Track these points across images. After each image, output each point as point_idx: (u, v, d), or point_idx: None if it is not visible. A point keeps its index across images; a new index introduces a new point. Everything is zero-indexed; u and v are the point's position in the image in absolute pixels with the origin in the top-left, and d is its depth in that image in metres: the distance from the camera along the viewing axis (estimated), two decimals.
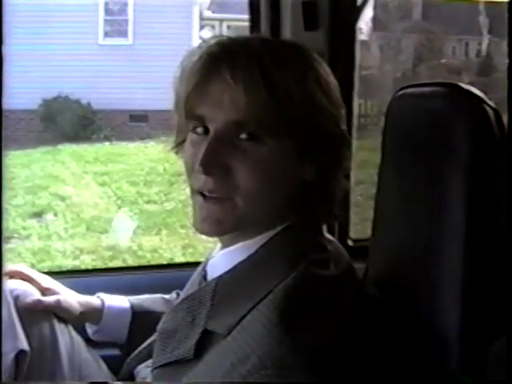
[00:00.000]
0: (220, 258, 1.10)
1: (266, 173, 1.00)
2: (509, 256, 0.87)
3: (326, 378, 0.92)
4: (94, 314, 1.38)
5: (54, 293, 1.36)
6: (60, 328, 1.34)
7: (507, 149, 0.97)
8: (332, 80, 1.06)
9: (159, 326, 1.15)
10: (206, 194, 1.02)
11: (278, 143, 0.99)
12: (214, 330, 1.02)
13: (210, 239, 1.13)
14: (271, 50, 1.03)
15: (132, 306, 1.40)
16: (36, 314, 1.31)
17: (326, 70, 1.06)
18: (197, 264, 1.23)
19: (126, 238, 5.85)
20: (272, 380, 0.89)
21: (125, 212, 6.52)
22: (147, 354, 1.23)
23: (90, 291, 1.41)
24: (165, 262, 5.34)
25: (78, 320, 1.38)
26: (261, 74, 0.98)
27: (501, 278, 1.05)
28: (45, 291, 1.36)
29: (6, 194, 0.75)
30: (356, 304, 1.05)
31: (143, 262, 5.36)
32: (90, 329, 1.40)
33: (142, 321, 1.39)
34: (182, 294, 1.22)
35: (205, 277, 1.12)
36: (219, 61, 1.00)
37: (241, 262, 1.05)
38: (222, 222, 1.03)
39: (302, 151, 1.02)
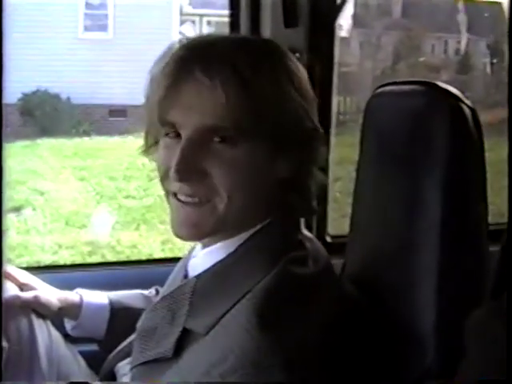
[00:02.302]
0: (201, 257, 1.10)
1: (241, 174, 1.00)
2: (509, 255, 0.88)
3: (304, 378, 0.93)
4: (72, 310, 1.37)
5: (31, 288, 1.36)
6: (38, 323, 1.33)
7: (508, 148, 0.98)
8: (303, 74, 1.06)
9: (139, 324, 1.15)
10: (182, 199, 1.02)
11: (251, 144, 0.99)
12: (192, 328, 1.02)
13: None
14: (243, 49, 1.02)
15: (111, 302, 1.39)
16: (14, 310, 1.30)
17: (296, 65, 1.06)
18: (176, 260, 1.23)
19: (106, 234, 5.83)
20: (250, 380, 0.90)
21: (104, 207, 6.49)
22: (128, 352, 1.22)
23: (69, 287, 1.41)
24: (144, 258, 5.33)
25: (57, 315, 1.37)
26: (235, 75, 0.97)
27: (475, 275, 1.06)
28: (22, 286, 1.35)
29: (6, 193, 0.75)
30: (334, 302, 1.06)
31: (122, 258, 5.34)
32: (68, 324, 1.39)
33: (120, 317, 1.39)
34: (162, 292, 1.23)
35: (186, 276, 1.12)
36: (191, 63, 0.99)
37: (220, 261, 1.05)
38: (200, 226, 1.03)
39: (275, 150, 1.02)
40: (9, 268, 1.38)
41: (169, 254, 5.43)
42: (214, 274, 1.05)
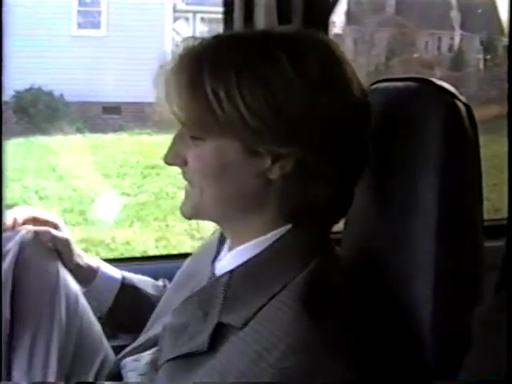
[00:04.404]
0: (228, 259, 1.12)
1: (209, 169, 1.05)
2: (509, 253, 0.88)
3: (356, 364, 0.94)
4: (88, 272, 1.42)
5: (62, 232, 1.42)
6: (62, 271, 1.36)
7: (507, 145, 0.98)
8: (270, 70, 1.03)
9: (167, 322, 1.15)
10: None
11: (217, 142, 1.03)
12: (229, 322, 1.02)
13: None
14: (210, 49, 1.05)
15: (123, 278, 1.44)
16: (44, 252, 1.35)
17: (264, 57, 1.03)
18: (169, 257, 1.23)
19: (112, 218, 5.86)
20: (303, 366, 0.90)
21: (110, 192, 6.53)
22: (136, 351, 1.23)
23: None
24: (138, 255, 5.32)
25: (75, 270, 1.40)
26: (189, 76, 1.02)
27: (471, 272, 1.06)
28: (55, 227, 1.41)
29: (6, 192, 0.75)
30: (362, 295, 1.07)
31: (116, 255, 5.34)
32: None
33: (128, 294, 1.43)
34: (171, 288, 1.31)
35: (211, 277, 1.14)
36: (174, 64, 1.05)
37: (254, 257, 1.06)
38: (186, 207, 1.11)
39: (247, 149, 1.03)
40: (43, 214, 1.42)
41: (163, 251, 5.43)
42: (250, 269, 1.06)
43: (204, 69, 1.02)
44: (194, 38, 1.08)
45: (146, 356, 1.19)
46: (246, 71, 1.01)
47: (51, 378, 1.28)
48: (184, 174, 1.10)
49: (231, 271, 1.08)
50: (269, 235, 1.07)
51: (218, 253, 1.19)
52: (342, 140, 1.04)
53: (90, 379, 1.35)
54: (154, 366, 1.16)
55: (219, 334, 1.02)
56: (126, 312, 1.38)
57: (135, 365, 1.19)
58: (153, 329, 1.26)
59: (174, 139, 1.09)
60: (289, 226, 1.07)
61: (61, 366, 1.30)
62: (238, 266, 1.07)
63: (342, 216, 1.13)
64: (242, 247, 1.10)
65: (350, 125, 1.04)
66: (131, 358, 1.22)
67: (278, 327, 0.95)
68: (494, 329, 0.82)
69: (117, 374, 1.24)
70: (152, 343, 1.21)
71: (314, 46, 1.06)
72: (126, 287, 1.43)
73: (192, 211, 1.11)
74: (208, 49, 1.05)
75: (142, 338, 1.27)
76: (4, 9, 0.69)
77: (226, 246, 1.17)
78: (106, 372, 1.35)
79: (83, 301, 1.38)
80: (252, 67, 1.01)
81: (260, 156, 1.03)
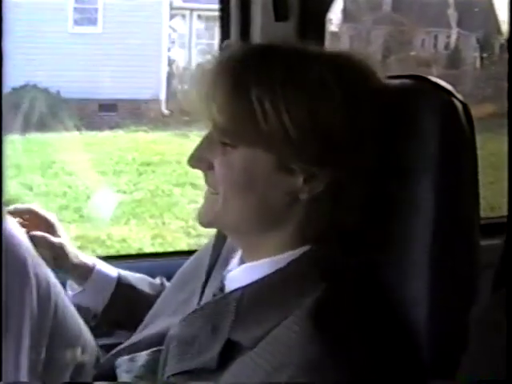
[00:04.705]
0: (241, 271, 1.11)
1: (237, 178, 1.03)
2: (509, 252, 0.88)
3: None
4: (83, 271, 1.42)
5: (57, 235, 1.40)
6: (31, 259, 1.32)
7: (507, 143, 0.98)
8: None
9: (173, 331, 1.14)
10: (206, 187, 1.09)
11: (249, 152, 1.01)
12: (238, 340, 1.01)
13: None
14: (256, 57, 1.04)
15: (119, 277, 1.44)
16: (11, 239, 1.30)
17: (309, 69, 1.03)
18: (166, 254, 1.23)
19: (108, 215, 5.85)
20: None
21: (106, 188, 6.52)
22: (129, 350, 1.23)
23: (58, 280, 1.40)
24: (133, 252, 5.32)
25: (70, 270, 1.40)
26: (235, 79, 1.01)
27: (467, 269, 1.06)
28: (49, 228, 1.40)
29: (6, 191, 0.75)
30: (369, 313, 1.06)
31: (112, 252, 5.33)
32: (70, 291, 1.41)
33: (124, 293, 1.43)
34: (174, 286, 1.32)
35: (222, 288, 1.13)
36: (218, 66, 1.04)
37: (269, 275, 1.05)
38: (204, 215, 1.09)
39: (281, 165, 1.02)
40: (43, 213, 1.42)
41: (159, 249, 5.43)
42: (263, 288, 1.05)
43: (250, 75, 1.00)
44: (236, 42, 1.08)
45: (143, 356, 1.19)
46: (291, 86, 1.00)
47: (23, 370, 1.25)
48: (207, 180, 1.08)
49: (243, 287, 1.06)
50: (285, 255, 1.06)
51: (226, 261, 1.18)
52: (374, 167, 1.04)
53: (71, 364, 1.34)
54: (150, 368, 1.15)
55: (228, 351, 1.02)
56: (122, 310, 1.37)
57: (131, 365, 1.18)
58: (149, 328, 1.26)
59: (201, 142, 1.06)
60: (307, 248, 1.06)
61: (36, 353, 1.27)
62: (252, 283, 1.06)
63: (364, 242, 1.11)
64: (255, 263, 1.08)
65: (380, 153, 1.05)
66: (126, 357, 1.21)
67: (288, 348, 0.94)
68: (491, 328, 0.82)
69: (111, 373, 1.24)
70: (148, 342, 1.20)
71: (360, 71, 1.06)
72: (121, 285, 1.42)
73: (211, 219, 1.09)
74: (254, 56, 1.04)
75: (137, 337, 1.26)
76: (4, 8, 0.68)
77: (236, 256, 1.16)
78: (87, 357, 1.34)
79: (56, 284, 1.35)
80: (298, 83, 1.00)
81: (292, 173, 1.02)
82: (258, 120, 0.99)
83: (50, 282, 1.32)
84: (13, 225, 1.30)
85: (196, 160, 1.06)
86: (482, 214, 1.11)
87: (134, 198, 6.51)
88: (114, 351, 1.28)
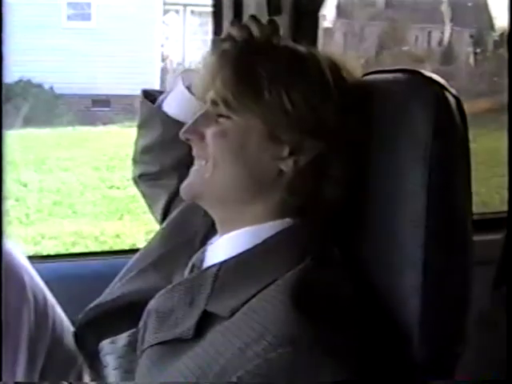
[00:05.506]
0: (221, 244, 1.13)
1: (229, 145, 1.08)
2: (509, 252, 0.88)
3: (343, 358, 0.94)
4: None
5: None
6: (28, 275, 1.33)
7: (507, 140, 0.98)
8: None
9: (151, 305, 1.16)
10: (194, 157, 1.14)
11: (243, 122, 1.08)
12: (214, 311, 1.03)
13: None
14: (263, 46, 1.13)
15: None
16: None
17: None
18: None
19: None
20: (289, 358, 0.91)
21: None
22: (111, 328, 1.22)
23: (52, 277, 1.40)
24: (127, 248, 5.31)
25: None
26: (242, 56, 1.10)
27: (460, 266, 1.06)
28: None
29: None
30: (351, 300, 1.06)
31: (105, 248, 5.33)
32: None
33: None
34: (161, 238, 1.35)
35: (201, 261, 1.15)
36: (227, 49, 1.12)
37: (247, 251, 1.08)
38: (191, 185, 1.13)
39: (271, 134, 1.07)
40: None
41: None
42: (240, 263, 1.08)
43: (257, 55, 1.10)
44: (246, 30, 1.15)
45: (124, 338, 1.19)
46: (296, 73, 1.09)
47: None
48: (197, 150, 1.13)
49: (222, 262, 1.08)
50: (266, 225, 1.09)
51: (208, 232, 1.21)
52: (359, 146, 1.11)
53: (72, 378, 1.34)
54: (132, 347, 1.16)
55: (205, 322, 1.03)
56: None
57: (112, 347, 1.18)
58: (129, 281, 1.26)
59: (197, 118, 1.12)
60: (288, 220, 1.09)
61: (33, 367, 1.27)
62: (231, 258, 1.08)
63: (341, 217, 1.14)
64: (234, 233, 1.11)
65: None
66: (107, 340, 1.21)
67: (265, 319, 0.96)
68: (491, 327, 0.83)
69: (94, 353, 1.23)
70: (127, 300, 1.21)
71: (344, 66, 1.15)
72: None
73: (196, 190, 1.13)
74: (261, 44, 1.13)
75: (117, 290, 1.26)
76: (4, 8, 0.69)
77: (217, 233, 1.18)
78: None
79: (54, 303, 1.35)
80: (301, 72, 1.09)
81: (280, 143, 1.07)
82: (261, 88, 1.06)
83: (48, 301, 1.34)
84: (12, 246, 1.33)
85: (190, 131, 1.12)
86: (475, 209, 1.11)
87: (127, 194, 6.51)
88: (95, 302, 1.25)
